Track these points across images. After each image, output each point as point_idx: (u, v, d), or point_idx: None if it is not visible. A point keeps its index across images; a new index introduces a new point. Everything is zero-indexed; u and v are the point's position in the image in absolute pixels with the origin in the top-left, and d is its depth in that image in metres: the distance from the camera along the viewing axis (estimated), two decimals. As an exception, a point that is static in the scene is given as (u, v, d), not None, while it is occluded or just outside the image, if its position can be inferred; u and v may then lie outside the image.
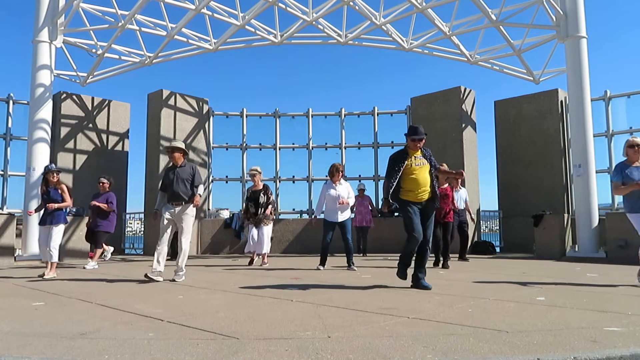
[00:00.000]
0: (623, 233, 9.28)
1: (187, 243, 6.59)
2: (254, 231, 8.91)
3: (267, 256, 9.09)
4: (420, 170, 5.50)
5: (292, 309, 4.17)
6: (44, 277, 6.89)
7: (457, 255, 9.75)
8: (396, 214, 13.64)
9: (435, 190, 5.53)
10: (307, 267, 8.34)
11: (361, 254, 11.17)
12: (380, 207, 5.90)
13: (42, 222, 7.35)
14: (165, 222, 6.54)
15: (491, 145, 16.12)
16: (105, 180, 9.37)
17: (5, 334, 3.28)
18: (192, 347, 2.86)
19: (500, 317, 3.69)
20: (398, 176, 5.45)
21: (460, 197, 9.79)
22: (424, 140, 5.58)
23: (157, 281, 6.23)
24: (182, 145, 6.89)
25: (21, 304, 4.63)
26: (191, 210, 6.59)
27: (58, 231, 7.28)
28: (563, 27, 10.71)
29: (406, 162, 5.50)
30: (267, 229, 8.97)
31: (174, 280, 6.30)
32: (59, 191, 7.36)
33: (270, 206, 9.00)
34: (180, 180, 6.58)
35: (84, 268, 8.51)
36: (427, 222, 5.48)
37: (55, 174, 7.43)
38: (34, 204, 10.27)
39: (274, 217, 9.21)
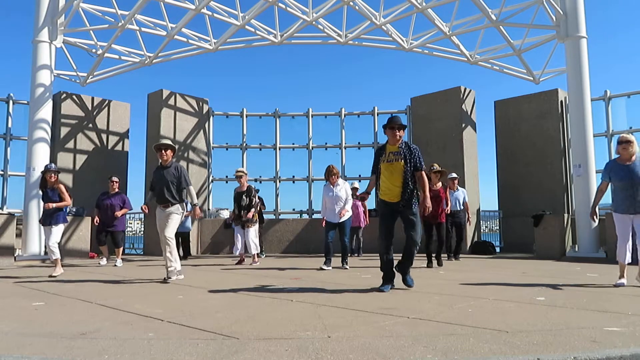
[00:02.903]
0: (623, 233, 9.28)
1: (172, 237, 6.44)
2: (241, 232, 9.13)
3: (258, 256, 9.27)
4: (390, 166, 5.14)
5: (292, 309, 4.17)
6: (52, 275, 7.02)
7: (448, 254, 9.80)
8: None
9: (409, 191, 5.07)
10: (307, 267, 8.35)
11: (355, 255, 11.07)
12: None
13: (43, 222, 7.46)
14: (159, 224, 6.56)
15: (491, 145, 16.14)
16: (117, 179, 9.77)
17: (5, 334, 3.27)
18: (192, 347, 2.86)
19: (500, 317, 3.69)
20: (377, 170, 5.22)
21: (457, 198, 9.77)
22: (402, 131, 5.17)
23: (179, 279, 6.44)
24: (165, 141, 6.78)
25: (21, 304, 4.63)
26: (177, 210, 6.52)
27: (57, 230, 7.40)
28: (563, 27, 10.71)
29: (381, 157, 5.22)
30: (252, 231, 9.06)
31: (167, 280, 6.32)
32: (57, 192, 7.38)
33: (252, 209, 9.09)
34: (166, 182, 6.48)
35: (115, 266, 8.92)
36: (407, 223, 5.14)
37: (53, 174, 7.42)
38: (34, 204, 10.29)
39: (257, 219, 9.33)
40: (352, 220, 10.98)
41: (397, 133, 5.16)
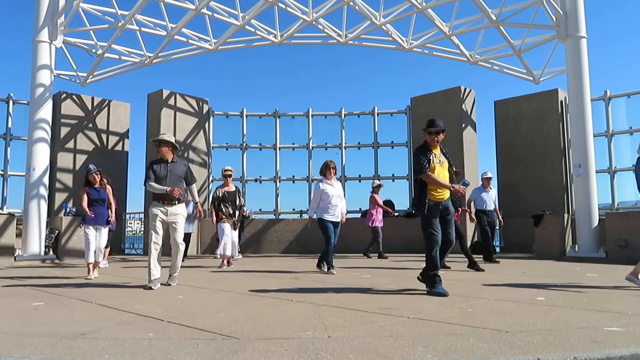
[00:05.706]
0: (623, 233, 9.29)
1: (182, 243, 6.06)
2: (233, 234, 8.78)
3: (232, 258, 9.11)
4: (441, 167, 5.15)
5: (292, 309, 4.17)
6: (88, 278, 6.88)
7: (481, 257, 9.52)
8: (396, 214, 13.52)
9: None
10: (307, 267, 8.33)
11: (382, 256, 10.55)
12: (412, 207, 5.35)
13: (96, 222, 7.21)
14: (159, 222, 5.85)
15: (491, 145, 16.14)
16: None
17: (5, 334, 3.27)
18: (192, 347, 2.86)
19: (500, 317, 3.69)
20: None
21: (491, 198, 9.63)
22: (442, 135, 5.20)
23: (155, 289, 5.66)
24: (172, 139, 6.19)
25: (21, 304, 4.63)
26: (184, 210, 6.08)
27: (106, 232, 7.46)
28: (563, 27, 10.70)
29: (430, 157, 5.10)
30: (236, 233, 8.98)
31: (169, 285, 5.89)
32: (106, 191, 7.46)
33: (243, 208, 9.17)
34: (175, 177, 5.99)
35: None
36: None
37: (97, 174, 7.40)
38: (34, 204, 10.30)
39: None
40: (373, 220, 10.97)
41: (437, 140, 5.21)
